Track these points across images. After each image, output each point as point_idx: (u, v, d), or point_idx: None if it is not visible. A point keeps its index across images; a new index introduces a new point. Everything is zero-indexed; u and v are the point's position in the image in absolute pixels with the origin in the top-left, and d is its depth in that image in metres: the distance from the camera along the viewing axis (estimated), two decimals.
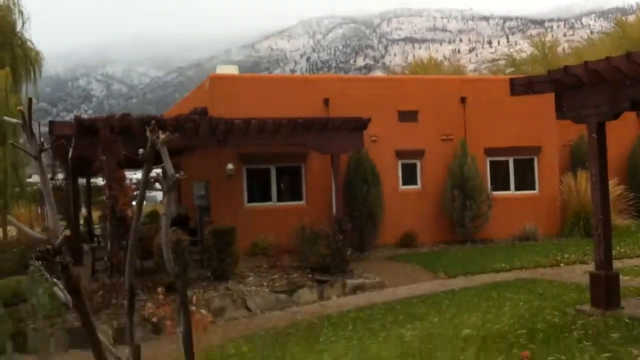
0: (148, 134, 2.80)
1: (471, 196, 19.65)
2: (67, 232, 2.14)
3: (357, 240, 18.23)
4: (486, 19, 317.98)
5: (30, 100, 2.92)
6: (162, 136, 3.37)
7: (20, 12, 27.27)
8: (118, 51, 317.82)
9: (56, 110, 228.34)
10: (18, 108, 3.02)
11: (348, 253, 15.32)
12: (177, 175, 3.42)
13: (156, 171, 3.43)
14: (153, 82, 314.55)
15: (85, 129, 14.53)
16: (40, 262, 2.68)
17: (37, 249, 2.25)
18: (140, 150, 2.94)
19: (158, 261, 13.09)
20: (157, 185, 3.64)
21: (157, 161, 3.35)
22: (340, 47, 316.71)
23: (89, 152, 14.84)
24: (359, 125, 16.58)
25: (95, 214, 26.31)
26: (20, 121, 2.88)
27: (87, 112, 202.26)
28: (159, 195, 51.58)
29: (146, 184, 3.31)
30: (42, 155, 2.97)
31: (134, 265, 3.35)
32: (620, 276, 10.51)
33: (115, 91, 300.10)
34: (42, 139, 2.69)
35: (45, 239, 2.37)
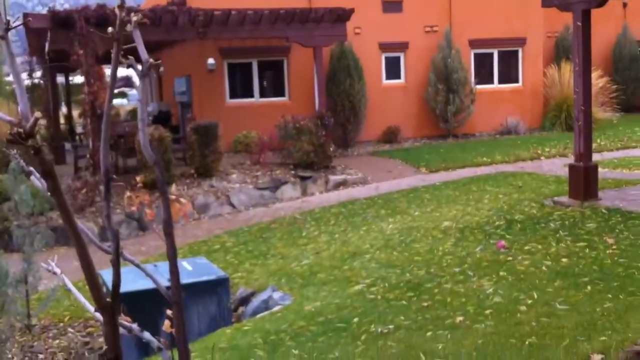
0: (116, 10, 2.68)
1: (455, 90, 19.51)
2: (38, 114, 2.08)
3: (339, 136, 18.23)
4: None
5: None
6: (134, 18, 3.24)
7: None
8: None
9: (31, 4, 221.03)
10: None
11: (331, 149, 15.34)
12: (151, 60, 3.31)
13: (131, 57, 3.32)
14: None
15: (61, 21, 14.12)
16: (12, 147, 2.62)
17: (9, 132, 2.19)
18: (110, 29, 2.83)
19: (141, 159, 13.04)
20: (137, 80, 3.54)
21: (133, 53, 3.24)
22: None
23: (66, 46, 14.49)
24: (342, 15, 16.21)
25: (76, 112, 26.05)
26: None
27: (63, 7, 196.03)
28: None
29: (117, 66, 3.20)
30: (17, 51, 2.85)
31: (110, 158, 3.30)
32: (599, 168, 10.64)
33: None
34: (8, 17, 2.56)
35: (17, 122, 2.31)
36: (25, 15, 15.29)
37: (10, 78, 36.51)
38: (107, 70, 18.71)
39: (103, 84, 14.30)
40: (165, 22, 14.84)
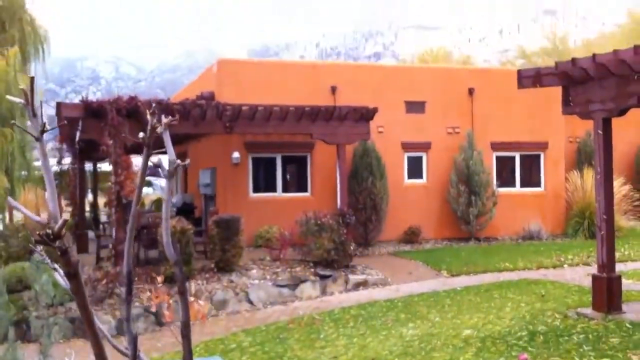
0: (148, 117, 2.77)
1: (476, 192, 19.58)
2: (67, 217, 2.11)
3: (360, 234, 18.22)
4: (498, 8, 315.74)
5: (32, 79, 2.90)
6: (164, 120, 3.34)
7: None
8: (128, 32, 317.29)
9: (64, 92, 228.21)
10: (20, 87, 2.98)
11: (352, 247, 15.30)
12: (179, 161, 3.38)
13: (159, 156, 3.40)
14: (162, 64, 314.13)
15: (93, 111, 14.52)
16: (40, 246, 2.67)
17: (37, 232, 2.23)
18: (141, 134, 2.92)
19: (163, 251, 13.09)
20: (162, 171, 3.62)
21: (162, 146, 3.32)
22: (351, 33, 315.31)
23: (96, 136, 14.84)
24: (366, 114, 16.54)
25: (101, 200, 26.36)
26: (23, 101, 2.86)
27: (95, 95, 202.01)
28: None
29: (146, 168, 3.28)
30: (48, 137, 2.93)
31: (132, 250, 3.32)
32: (623, 279, 10.47)
33: (124, 74, 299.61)
34: (44, 119, 2.66)
35: (45, 223, 2.35)
36: (59, 105, 15.75)
37: (39, 163, 37.16)
38: (135, 160, 19.12)
39: (130, 173, 14.53)
40: (193, 116, 15.21)
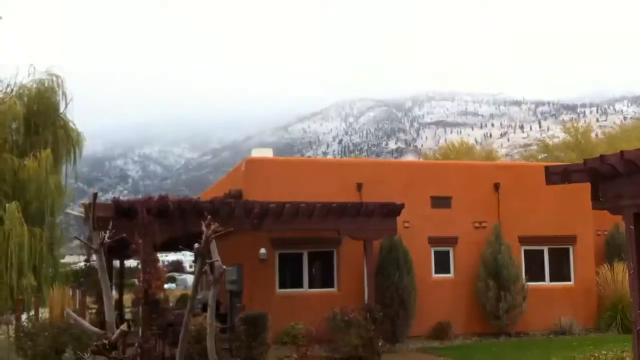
0: (204, 228, 2.89)
1: (506, 286, 19.33)
2: (125, 327, 2.20)
3: (388, 330, 17.93)
4: (518, 103, 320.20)
5: (95, 194, 3.07)
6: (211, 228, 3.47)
7: (64, 94, 28.31)
8: (156, 132, 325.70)
9: (92, 190, 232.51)
10: (82, 202, 3.14)
11: (380, 344, 15.04)
12: (224, 267, 3.49)
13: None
14: (188, 163, 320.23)
15: (123, 211, 14.76)
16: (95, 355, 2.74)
17: (95, 343, 2.31)
18: (196, 245, 3.05)
19: (189, 349, 12.97)
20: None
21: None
22: (372, 130, 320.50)
23: (126, 235, 15.02)
24: (393, 210, 16.65)
25: (126, 297, 26.33)
26: (82, 214, 3.02)
27: (122, 193, 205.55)
28: (189, 278, 51.77)
29: (199, 278, 3.40)
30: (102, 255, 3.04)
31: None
32: None
33: (151, 172, 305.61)
34: (104, 233, 2.80)
35: (102, 333, 2.44)
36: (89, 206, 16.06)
37: (67, 260, 37.52)
38: (162, 257, 19.23)
39: (158, 271, 14.63)
40: (222, 214, 15.43)
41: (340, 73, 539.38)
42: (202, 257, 3.01)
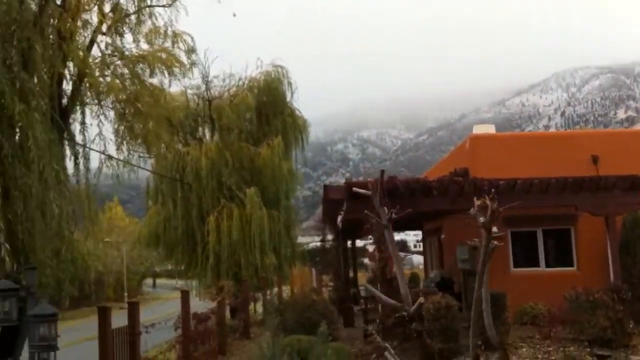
0: (488, 202, 2.87)
1: None
2: (422, 300, 2.24)
3: (637, 311, 16.67)
4: None
5: (382, 172, 3.19)
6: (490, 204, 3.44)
7: (289, 84, 30.01)
8: (372, 115, 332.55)
9: (316, 174, 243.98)
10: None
11: (630, 326, 14.04)
12: (495, 243, 3.44)
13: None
14: (405, 144, 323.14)
15: (355, 193, 15.24)
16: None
17: (395, 315, 2.40)
18: (481, 219, 3.04)
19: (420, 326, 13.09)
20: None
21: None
22: (598, 100, 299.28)
23: (358, 215, 15.53)
24: (636, 183, 15.44)
25: (359, 276, 27.21)
26: (368, 192, 3.14)
27: (344, 176, 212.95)
28: (415, 258, 52.25)
29: (487, 252, 3.40)
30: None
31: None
32: None
33: (370, 154, 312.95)
34: (391, 210, 2.89)
35: (399, 306, 2.52)
36: (326, 188, 16.85)
37: (303, 240, 39.71)
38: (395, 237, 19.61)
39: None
40: (450, 192, 15.37)
41: (556, 41, 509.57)
42: (487, 231, 2.97)
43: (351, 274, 24.88)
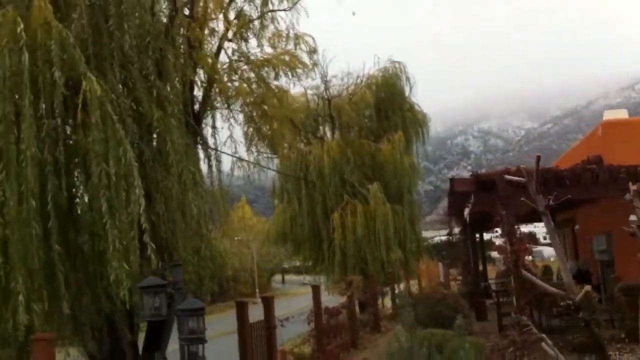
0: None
1: None
2: (588, 288, 2.20)
3: None
4: None
5: (538, 157, 3.17)
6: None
7: (407, 79, 29.96)
8: (492, 106, 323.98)
9: (437, 168, 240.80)
10: (523, 167, 3.24)
11: None
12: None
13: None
14: (529, 133, 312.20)
15: (483, 184, 14.96)
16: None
17: (561, 303, 2.36)
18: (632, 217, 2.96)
19: (567, 319, 12.69)
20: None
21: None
22: None
23: (487, 207, 15.23)
24: None
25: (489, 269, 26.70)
26: (522, 179, 3.13)
27: (465, 169, 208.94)
28: (545, 250, 50.42)
29: None
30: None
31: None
32: None
33: (492, 146, 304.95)
34: (548, 197, 2.86)
35: (564, 294, 2.48)
36: (452, 180, 16.65)
37: (427, 234, 39.44)
38: (523, 229, 19.11)
39: (524, 243, 14.51)
40: (584, 181, 14.76)
41: None
42: None
43: (480, 268, 24.45)
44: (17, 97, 8.60)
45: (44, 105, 8.63)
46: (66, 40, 8.82)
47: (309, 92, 27.63)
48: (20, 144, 8.30)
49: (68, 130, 9.43)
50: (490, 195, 14.79)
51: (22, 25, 8.56)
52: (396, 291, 24.59)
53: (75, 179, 9.44)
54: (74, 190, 9.41)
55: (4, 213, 8.24)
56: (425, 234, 40.59)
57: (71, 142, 9.38)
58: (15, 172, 8.25)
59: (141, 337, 10.83)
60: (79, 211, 9.36)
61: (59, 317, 8.81)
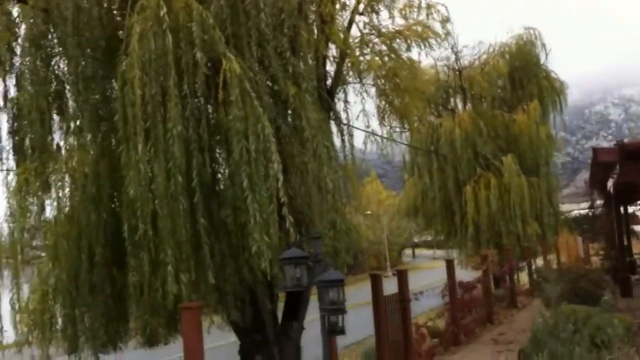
0: None
1: None
2: None
3: None
4: None
5: None
6: None
7: (543, 45, 28.76)
8: (634, 71, 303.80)
9: (575, 138, 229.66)
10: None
11: None
12: None
13: None
14: None
15: (630, 154, 14.18)
16: None
17: None
18: None
19: None
20: None
21: None
22: None
23: (634, 178, 14.44)
24: None
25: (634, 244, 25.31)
26: None
27: (605, 139, 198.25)
28: None
29: None
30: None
31: None
32: None
33: (634, 114, 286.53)
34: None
35: None
36: (595, 150, 15.87)
37: (565, 207, 37.86)
38: None
39: None
40: None
41: None
42: None
43: (625, 242, 23.18)
44: (162, 78, 8.98)
45: (187, 86, 8.97)
46: (206, 21, 9.10)
47: (439, 63, 27.14)
48: (167, 123, 8.69)
49: (210, 108, 9.76)
50: (637, 165, 14.03)
51: (165, 9, 8.90)
52: (533, 266, 23.87)
53: (218, 155, 9.77)
54: (216, 166, 9.76)
55: (153, 189, 8.66)
56: (563, 207, 38.99)
57: (213, 120, 9.70)
58: (163, 149, 8.66)
59: (280, 307, 11.20)
60: (221, 186, 9.71)
61: (204, 286, 9.20)
